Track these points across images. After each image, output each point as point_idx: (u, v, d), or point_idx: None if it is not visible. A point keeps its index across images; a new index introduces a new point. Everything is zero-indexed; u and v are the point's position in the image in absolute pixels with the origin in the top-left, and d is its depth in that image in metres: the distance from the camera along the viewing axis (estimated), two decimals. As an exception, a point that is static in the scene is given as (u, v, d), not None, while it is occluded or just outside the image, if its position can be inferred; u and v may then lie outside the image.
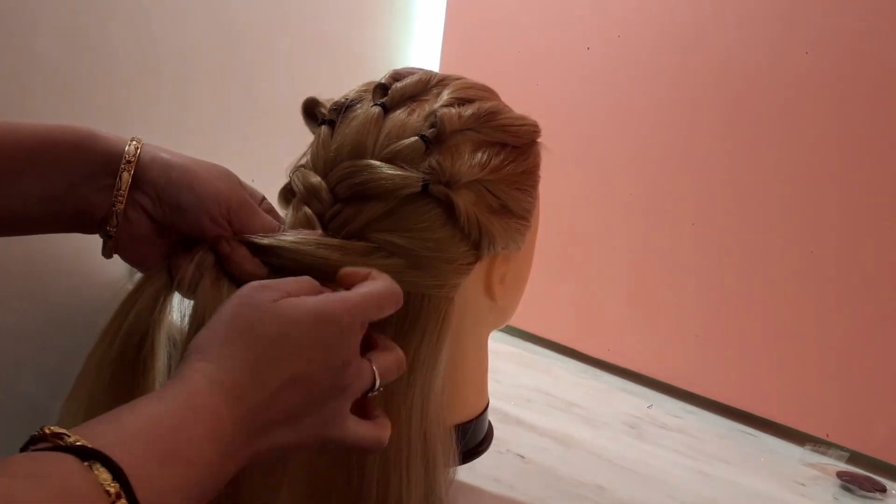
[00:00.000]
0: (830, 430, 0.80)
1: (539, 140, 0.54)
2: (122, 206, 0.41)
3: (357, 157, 0.46)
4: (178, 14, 0.83)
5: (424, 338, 0.46)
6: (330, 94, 0.52)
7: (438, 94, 0.49)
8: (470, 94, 0.50)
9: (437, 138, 0.46)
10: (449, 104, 0.48)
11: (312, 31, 1.02)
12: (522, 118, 0.52)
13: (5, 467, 0.25)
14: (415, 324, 0.46)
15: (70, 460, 0.26)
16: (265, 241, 0.44)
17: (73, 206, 0.41)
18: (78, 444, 0.27)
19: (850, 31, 0.76)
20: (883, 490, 0.70)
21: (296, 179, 0.48)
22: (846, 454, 0.77)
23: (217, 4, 0.87)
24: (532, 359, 0.98)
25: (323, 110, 0.51)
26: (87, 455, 0.26)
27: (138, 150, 0.42)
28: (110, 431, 0.29)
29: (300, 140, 0.51)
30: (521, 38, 1.05)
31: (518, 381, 0.87)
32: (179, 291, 0.43)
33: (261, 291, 0.37)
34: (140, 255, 0.44)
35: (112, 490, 0.26)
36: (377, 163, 0.45)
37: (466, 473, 0.61)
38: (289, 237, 0.45)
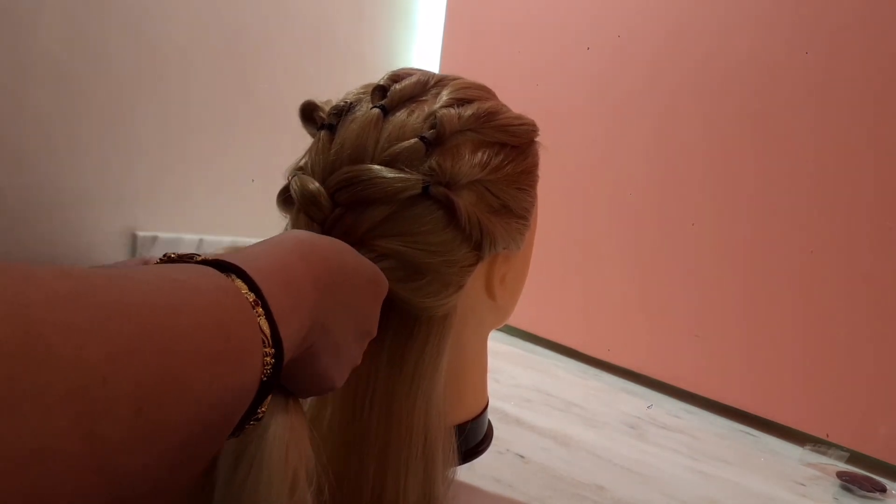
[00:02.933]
0: (830, 430, 0.80)
1: (537, 139, 0.54)
2: None
3: (356, 161, 0.45)
4: (179, 14, 0.83)
5: (429, 341, 0.46)
6: (331, 94, 0.51)
7: (437, 95, 0.48)
8: (469, 94, 0.50)
9: (436, 139, 0.45)
10: (448, 105, 0.47)
11: (313, 31, 1.02)
12: (521, 118, 0.51)
13: (160, 274, 0.25)
14: (419, 327, 0.46)
15: (211, 270, 0.28)
16: None
17: None
18: (211, 259, 0.29)
19: (850, 32, 0.76)
20: (883, 490, 0.70)
21: (294, 185, 0.47)
22: (846, 454, 0.77)
23: (218, 5, 0.87)
24: (532, 359, 0.98)
25: (321, 114, 0.50)
26: (224, 268, 0.28)
27: None
28: (236, 259, 0.30)
29: (301, 140, 0.51)
30: (521, 38, 1.05)
31: (518, 381, 0.87)
32: None
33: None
34: None
35: (250, 298, 0.28)
36: (377, 166, 0.44)
37: (466, 473, 0.61)
38: None
